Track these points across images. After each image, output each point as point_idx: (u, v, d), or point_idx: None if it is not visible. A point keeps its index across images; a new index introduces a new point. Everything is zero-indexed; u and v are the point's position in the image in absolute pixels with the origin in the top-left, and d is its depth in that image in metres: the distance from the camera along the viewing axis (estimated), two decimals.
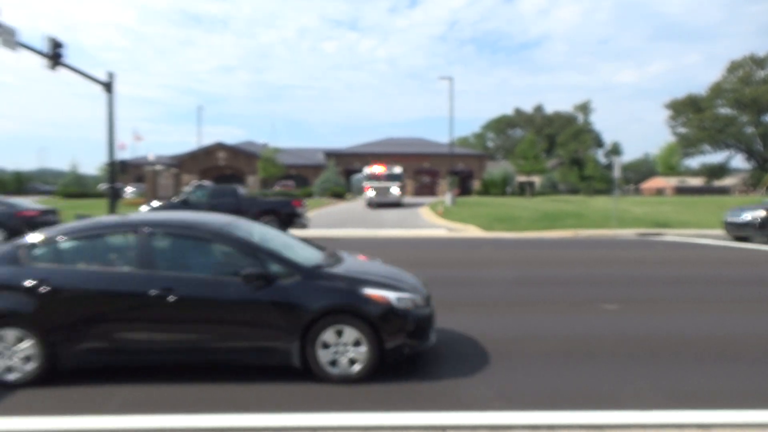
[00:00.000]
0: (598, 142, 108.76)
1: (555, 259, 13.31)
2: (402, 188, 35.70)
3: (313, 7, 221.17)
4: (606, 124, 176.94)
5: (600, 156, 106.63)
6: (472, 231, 22.15)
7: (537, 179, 71.36)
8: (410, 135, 78.27)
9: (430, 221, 26.95)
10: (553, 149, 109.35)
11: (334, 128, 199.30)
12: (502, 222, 24.28)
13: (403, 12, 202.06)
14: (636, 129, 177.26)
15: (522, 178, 64.83)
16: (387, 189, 35.03)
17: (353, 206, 37.41)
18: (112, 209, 21.97)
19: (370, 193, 35.03)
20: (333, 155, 63.23)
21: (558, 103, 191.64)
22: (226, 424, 3.99)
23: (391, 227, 23.70)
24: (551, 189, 72.71)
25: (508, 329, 6.63)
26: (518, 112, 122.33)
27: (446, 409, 4.18)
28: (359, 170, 58.35)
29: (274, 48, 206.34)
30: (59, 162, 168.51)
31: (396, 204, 35.00)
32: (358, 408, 4.24)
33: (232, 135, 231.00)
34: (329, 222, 25.17)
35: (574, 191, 77.69)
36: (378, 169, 35.89)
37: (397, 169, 36.46)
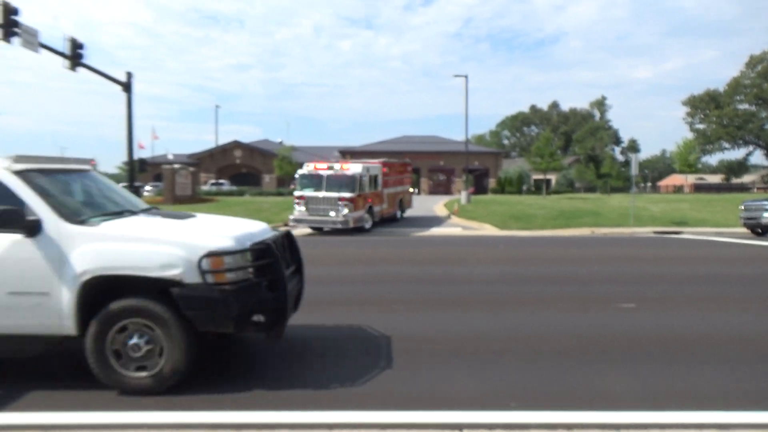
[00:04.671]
0: (616, 140, 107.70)
1: (571, 257, 13.34)
2: (358, 202, 20.04)
3: (328, 4, 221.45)
4: (622, 121, 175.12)
5: (617, 153, 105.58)
6: (487, 229, 22.21)
7: (553, 177, 70.93)
8: (425, 133, 78.15)
9: (445, 220, 27.02)
10: (569, 146, 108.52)
11: (348, 126, 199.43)
12: (517, 220, 24.29)
13: (417, 10, 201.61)
14: (652, 126, 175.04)
15: (538, 176, 64.52)
16: (330, 204, 19.75)
17: None
18: None
19: (300, 209, 20.24)
20: (347, 153, 63.44)
21: (574, 100, 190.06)
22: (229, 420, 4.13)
23: (406, 226, 23.79)
24: (567, 187, 72.22)
25: (519, 327, 6.73)
26: (534, 110, 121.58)
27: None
28: None
29: (288, 46, 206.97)
30: None
31: (349, 229, 19.79)
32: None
33: (246, 133, 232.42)
34: None
35: (590, 189, 77.10)
36: (321, 167, 20.62)
37: (356, 168, 20.23)
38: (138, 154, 28.88)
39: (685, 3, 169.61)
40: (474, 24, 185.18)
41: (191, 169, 38.94)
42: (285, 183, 58.20)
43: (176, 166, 37.58)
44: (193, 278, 4.42)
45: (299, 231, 19.97)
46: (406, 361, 5.37)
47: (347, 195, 19.57)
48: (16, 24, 17.62)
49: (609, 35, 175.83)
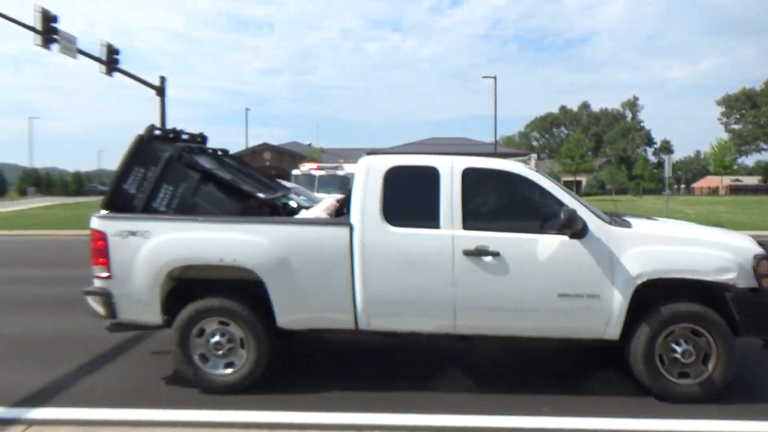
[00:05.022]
0: (648, 141, 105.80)
1: None
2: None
3: (356, 8, 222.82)
4: (655, 121, 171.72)
5: (649, 154, 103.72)
6: None
7: (583, 179, 69.97)
8: (454, 134, 78.05)
9: None
10: (600, 148, 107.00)
11: (377, 128, 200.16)
12: None
13: (445, 11, 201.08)
14: (686, 127, 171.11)
15: (568, 178, 63.70)
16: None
17: None
18: None
19: None
20: (376, 155, 63.62)
21: (605, 100, 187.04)
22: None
23: None
24: (598, 189, 71.10)
25: None
26: (564, 110, 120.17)
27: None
28: None
29: (317, 49, 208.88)
30: (117, 163, 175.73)
31: None
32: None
33: (276, 135, 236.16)
34: None
35: (622, 191, 75.78)
36: (314, 168, 19.81)
37: (345, 170, 18.79)
38: None
39: (719, 1, 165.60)
40: (502, 25, 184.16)
41: None
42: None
43: None
44: (746, 282, 4.27)
45: None
46: None
47: (339, 197, 18.33)
48: (55, 31, 18.15)
49: (641, 34, 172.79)
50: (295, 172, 19.13)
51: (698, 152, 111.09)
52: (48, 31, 18.06)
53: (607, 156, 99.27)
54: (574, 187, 51.72)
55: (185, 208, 4.74)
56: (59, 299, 8.35)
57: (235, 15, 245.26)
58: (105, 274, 4.48)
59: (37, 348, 5.81)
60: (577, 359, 5.55)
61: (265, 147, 64.21)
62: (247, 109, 59.91)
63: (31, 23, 17.97)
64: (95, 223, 4.54)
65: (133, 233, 4.43)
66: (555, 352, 5.65)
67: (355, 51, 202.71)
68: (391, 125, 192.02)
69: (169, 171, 4.77)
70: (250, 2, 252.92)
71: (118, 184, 4.77)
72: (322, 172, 18.61)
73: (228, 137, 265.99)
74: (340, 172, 18.47)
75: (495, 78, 40.02)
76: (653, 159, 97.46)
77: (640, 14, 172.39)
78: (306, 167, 19.28)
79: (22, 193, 61.16)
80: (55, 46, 18.28)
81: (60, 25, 18.38)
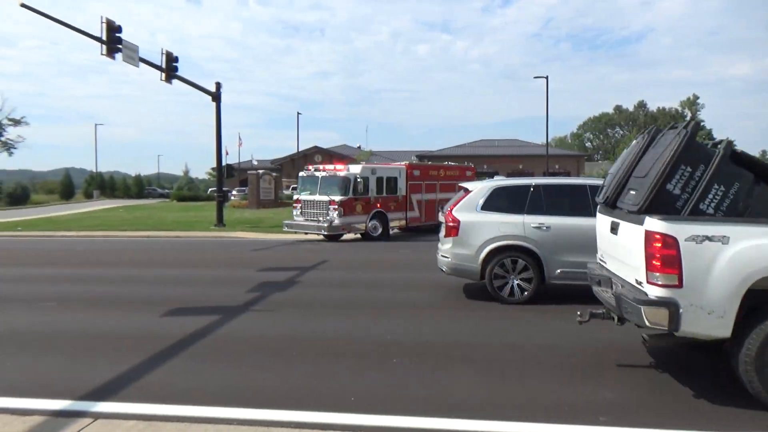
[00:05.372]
0: (709, 140, 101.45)
1: None
2: (353, 206, 18.44)
3: (406, 10, 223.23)
4: (717, 120, 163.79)
5: None
6: None
7: None
8: (505, 136, 77.02)
9: None
10: None
11: (427, 131, 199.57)
12: None
13: (496, 11, 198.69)
14: (752, 126, 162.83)
15: None
16: (320, 207, 18.56)
17: None
18: (219, 211, 23.52)
19: (296, 213, 19.33)
20: (425, 158, 63.50)
21: (663, 99, 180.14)
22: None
23: None
24: None
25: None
26: (619, 110, 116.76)
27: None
28: None
29: (368, 52, 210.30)
30: (174, 167, 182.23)
31: (332, 236, 18.54)
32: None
33: (327, 139, 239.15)
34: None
35: None
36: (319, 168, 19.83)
37: (353, 169, 19.04)
38: (225, 161, 30.31)
39: None
40: (554, 24, 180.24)
41: (274, 174, 40.37)
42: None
43: (260, 171, 39.07)
44: None
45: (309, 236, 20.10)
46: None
47: (336, 198, 18.05)
48: (119, 41, 19.02)
49: (701, 30, 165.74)
50: (301, 173, 19.35)
51: (764, 152, 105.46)
52: (112, 41, 18.93)
53: None
54: None
55: (737, 211, 4.34)
56: (123, 298, 8.77)
57: (288, 21, 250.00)
58: (674, 283, 4.12)
59: (103, 344, 6.07)
60: (635, 361, 5.33)
61: (316, 150, 65.13)
62: (298, 113, 60.88)
63: (97, 34, 18.90)
64: (662, 227, 4.16)
65: (709, 238, 4.10)
66: (605, 353, 5.48)
67: (405, 53, 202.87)
68: (441, 128, 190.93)
69: (721, 170, 4.34)
70: (303, 8, 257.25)
71: (661, 184, 4.38)
72: (324, 173, 18.79)
73: (280, 141, 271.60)
74: (340, 174, 18.49)
75: (547, 78, 39.39)
76: None
77: (702, 9, 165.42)
78: (312, 169, 19.48)
79: (88, 195, 64.17)
80: (119, 56, 19.14)
81: (123, 35, 19.24)
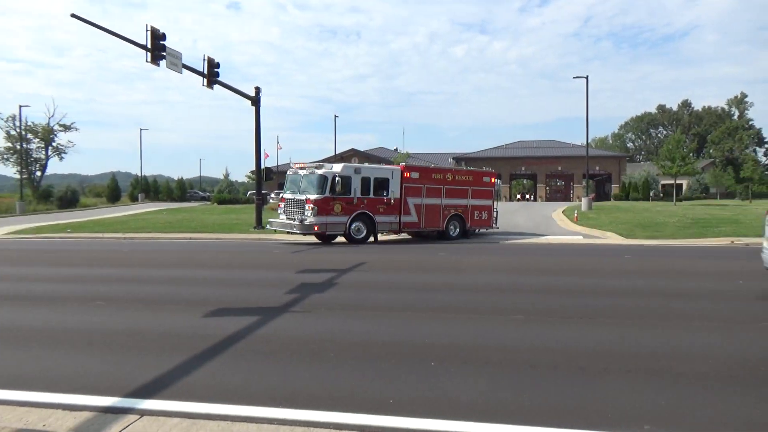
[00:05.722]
0: (758, 140, 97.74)
1: (710, 270, 12.30)
2: (330, 206, 18.02)
3: (443, 11, 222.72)
4: (765, 119, 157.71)
5: (760, 155, 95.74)
6: (611, 238, 21.07)
7: (684, 182, 65.76)
8: (544, 137, 75.88)
9: (565, 227, 26.01)
10: (703, 149, 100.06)
11: (464, 132, 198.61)
12: (645, 228, 22.82)
13: (534, 11, 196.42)
14: None
15: (666, 181, 60.05)
16: (298, 206, 18.38)
17: None
18: (258, 214, 23.89)
19: (280, 212, 19.67)
20: (462, 160, 63.10)
21: (708, 98, 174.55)
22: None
23: (522, 235, 23.25)
24: (701, 192, 66.55)
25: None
26: (662, 110, 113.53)
27: None
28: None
29: (404, 54, 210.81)
30: (215, 170, 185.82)
31: (307, 234, 18.59)
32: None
33: (364, 141, 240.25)
34: None
35: (728, 195, 70.46)
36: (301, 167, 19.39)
37: (335, 168, 18.59)
38: (264, 164, 30.77)
39: None
40: (594, 22, 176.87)
41: None
42: None
43: None
44: None
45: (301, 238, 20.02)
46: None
47: (312, 197, 17.82)
48: (163, 48, 19.58)
49: (750, 25, 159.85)
50: (288, 172, 19.16)
51: None
52: (157, 48, 19.49)
53: (711, 157, 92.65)
54: (674, 191, 48.66)
55: None
56: (168, 298, 9.01)
57: (326, 24, 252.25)
58: None
59: (148, 343, 6.23)
60: (679, 363, 5.14)
61: (353, 153, 65.57)
62: (335, 116, 61.30)
63: (142, 42, 19.46)
64: None
65: None
66: (653, 354, 5.30)
67: (442, 55, 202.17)
68: (479, 129, 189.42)
69: None
70: (340, 12, 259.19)
71: None
72: (305, 172, 18.61)
73: (318, 143, 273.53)
74: (318, 172, 18.19)
75: (587, 78, 38.60)
76: (764, 160, 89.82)
77: (751, 3, 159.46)
78: (296, 167, 19.29)
79: (133, 198, 66.09)
80: (163, 62, 19.69)
81: (167, 43, 19.77)
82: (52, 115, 64.04)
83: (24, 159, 58.69)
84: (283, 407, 4.32)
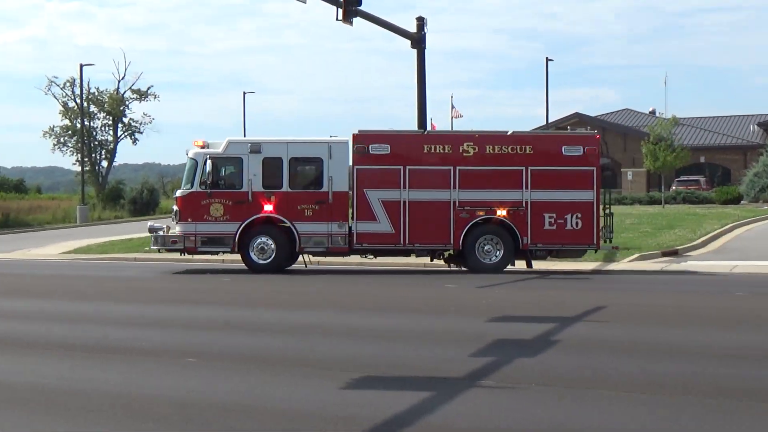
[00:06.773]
0: None
1: None
2: (199, 206, 13.37)
3: None
4: None
5: None
6: None
7: None
8: None
9: None
10: None
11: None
12: None
13: None
14: None
15: None
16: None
17: None
18: None
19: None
20: None
21: None
22: None
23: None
24: None
25: None
26: None
27: None
28: None
29: None
30: None
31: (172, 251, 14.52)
32: None
33: (598, 101, 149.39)
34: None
35: None
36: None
37: (208, 147, 13.73)
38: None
39: None
40: None
41: None
42: (658, 182, 37.79)
43: None
44: None
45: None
46: None
47: (177, 192, 13.68)
48: None
49: None
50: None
51: None
52: None
53: None
54: None
55: None
56: (294, 356, 5.84)
57: None
58: None
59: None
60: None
61: (578, 120, 45.88)
62: (547, 60, 39.27)
63: None
64: None
65: None
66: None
67: None
68: None
69: None
70: None
71: None
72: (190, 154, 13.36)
73: (519, 106, 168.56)
74: (189, 153, 13.14)
75: None
76: None
77: None
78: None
79: None
80: None
81: None
82: (122, 77, 47.29)
83: (86, 143, 44.82)
84: None
